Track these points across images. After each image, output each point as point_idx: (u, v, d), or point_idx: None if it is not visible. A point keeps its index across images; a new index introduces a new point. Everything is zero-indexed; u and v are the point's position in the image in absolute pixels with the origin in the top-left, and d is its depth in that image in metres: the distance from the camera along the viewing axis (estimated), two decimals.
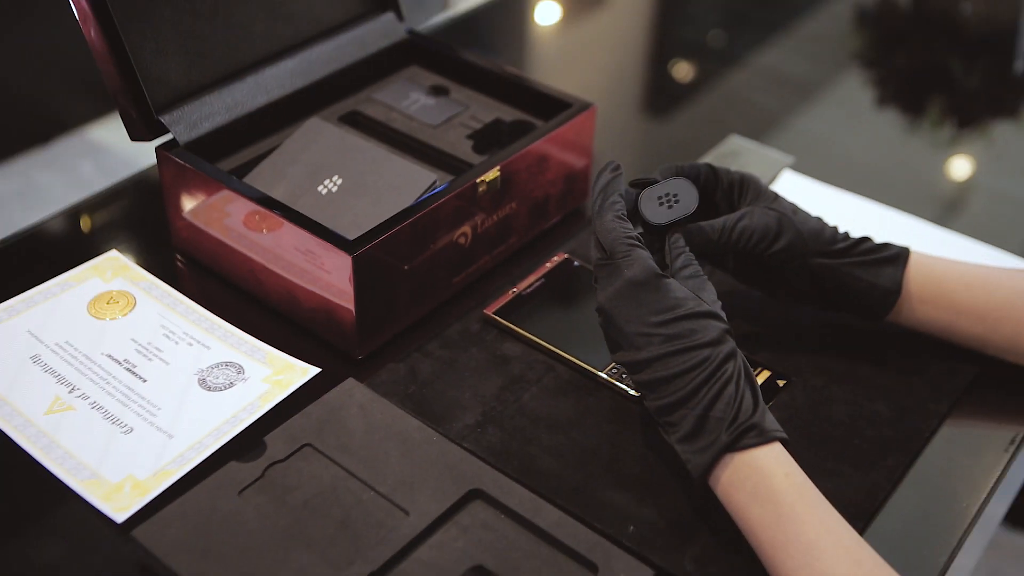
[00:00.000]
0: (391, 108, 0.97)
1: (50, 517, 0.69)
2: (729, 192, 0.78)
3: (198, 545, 0.64)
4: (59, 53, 2.22)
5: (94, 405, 0.75)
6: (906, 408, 0.77)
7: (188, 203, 0.86)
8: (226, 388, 0.77)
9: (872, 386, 0.79)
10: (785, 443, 0.65)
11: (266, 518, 0.66)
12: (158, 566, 0.63)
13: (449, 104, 0.98)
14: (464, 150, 0.93)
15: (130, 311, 0.83)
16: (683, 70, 1.32)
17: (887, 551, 0.63)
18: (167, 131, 0.85)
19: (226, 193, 0.81)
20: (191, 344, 0.80)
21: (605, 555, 0.64)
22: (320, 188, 0.85)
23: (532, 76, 0.99)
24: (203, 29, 0.87)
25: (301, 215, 0.78)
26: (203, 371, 0.78)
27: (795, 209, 0.77)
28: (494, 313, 0.83)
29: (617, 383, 0.77)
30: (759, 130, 1.12)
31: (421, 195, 0.84)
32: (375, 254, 0.76)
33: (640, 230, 0.73)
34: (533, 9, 1.43)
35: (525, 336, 0.81)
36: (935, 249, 0.93)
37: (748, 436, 0.64)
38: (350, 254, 0.75)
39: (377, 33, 1.00)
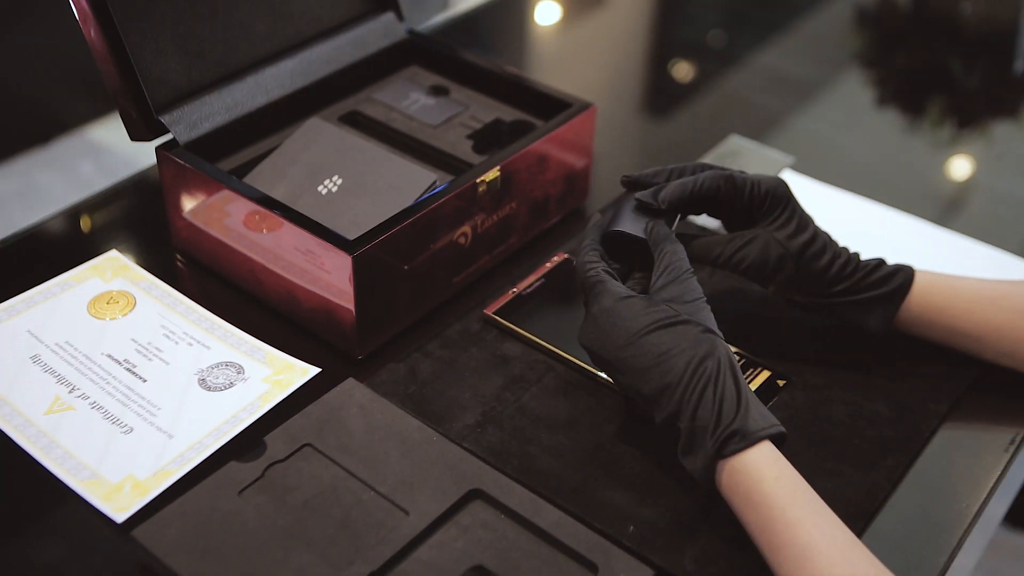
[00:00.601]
0: (391, 108, 0.97)
1: (50, 517, 0.69)
2: (750, 204, 0.77)
3: (198, 545, 0.64)
4: (59, 53, 2.22)
5: (94, 405, 0.75)
6: (906, 408, 0.77)
7: (188, 203, 0.86)
8: (226, 388, 0.77)
9: (872, 386, 0.79)
10: (779, 439, 0.65)
11: (266, 518, 0.66)
12: (158, 566, 0.63)
13: (449, 104, 0.98)
14: (464, 150, 0.93)
15: (130, 311, 0.83)
16: (683, 70, 1.32)
17: (887, 551, 0.63)
18: (167, 131, 0.85)
19: (226, 193, 0.81)
20: (191, 344, 0.80)
21: (605, 555, 0.64)
22: (320, 188, 0.85)
23: (532, 76, 0.99)
24: (203, 29, 0.87)
25: (301, 215, 0.78)
26: (203, 371, 0.78)
27: (809, 242, 0.76)
28: (494, 313, 0.83)
29: None
30: (759, 130, 1.12)
31: (421, 195, 0.84)
32: (375, 254, 0.76)
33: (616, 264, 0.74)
34: (533, 9, 1.43)
35: (525, 336, 0.81)
36: (935, 249, 0.93)
37: (732, 442, 0.64)
38: (350, 254, 0.75)
39: (377, 33, 1.00)
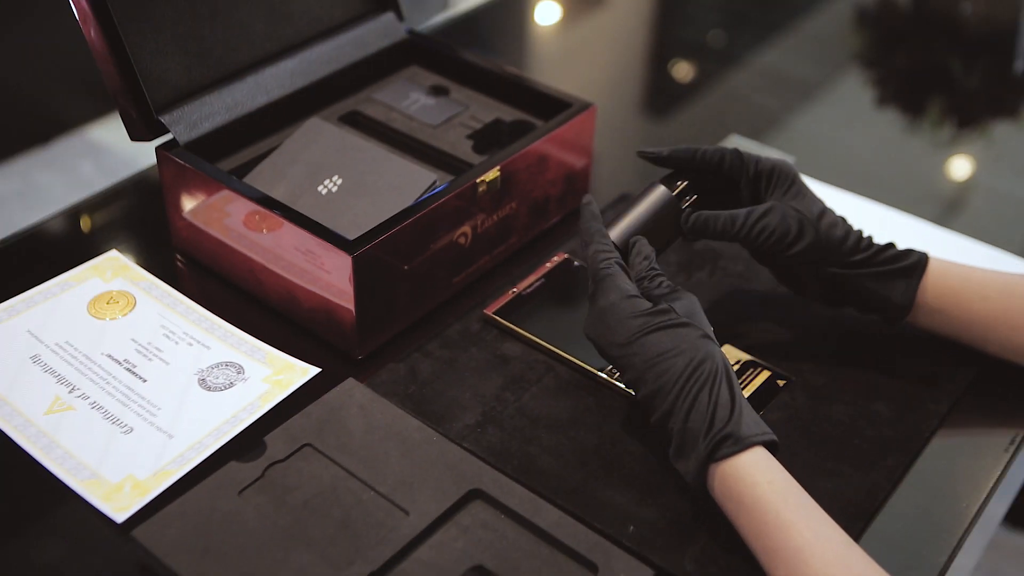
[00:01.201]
0: (391, 108, 0.97)
1: (50, 517, 0.69)
2: (756, 181, 0.77)
3: (198, 545, 0.64)
4: (59, 53, 2.22)
5: (94, 405, 0.75)
6: (906, 408, 0.77)
7: (188, 203, 0.86)
8: (226, 388, 0.77)
9: (872, 386, 0.79)
10: (772, 445, 0.65)
11: (266, 518, 0.66)
12: (158, 566, 0.63)
13: (449, 104, 0.98)
14: (464, 150, 0.93)
15: (130, 311, 0.83)
16: (683, 70, 1.32)
17: (887, 551, 0.63)
18: (167, 131, 0.85)
19: (226, 193, 0.81)
20: (191, 344, 0.80)
21: (605, 555, 0.64)
22: (320, 188, 0.85)
23: (532, 76, 0.99)
24: (203, 29, 0.87)
25: (301, 215, 0.78)
26: (203, 371, 0.78)
27: (823, 212, 0.76)
28: (494, 313, 0.83)
29: (617, 383, 0.77)
30: (759, 130, 1.12)
31: (421, 195, 0.84)
32: (375, 254, 0.76)
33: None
34: (533, 9, 1.43)
35: (525, 336, 0.81)
36: (935, 249, 0.93)
37: (724, 446, 0.63)
38: (350, 254, 0.75)
39: (377, 33, 1.00)
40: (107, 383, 0.77)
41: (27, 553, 0.67)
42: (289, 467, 0.69)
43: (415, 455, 0.70)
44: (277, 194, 0.85)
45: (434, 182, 0.85)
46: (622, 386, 0.77)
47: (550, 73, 1.28)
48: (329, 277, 0.77)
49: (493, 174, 0.84)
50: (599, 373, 0.78)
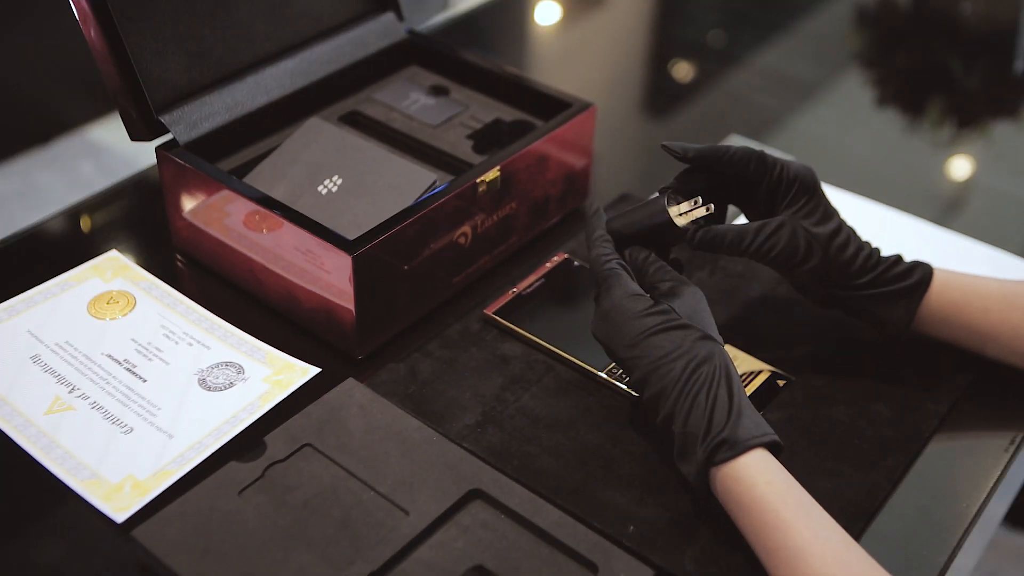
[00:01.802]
0: (391, 108, 0.97)
1: (50, 517, 0.69)
2: (776, 187, 0.76)
3: (198, 545, 0.64)
4: (59, 53, 2.22)
5: (94, 405, 0.75)
6: (906, 408, 0.77)
7: (188, 203, 0.86)
8: (226, 388, 0.77)
9: (872, 386, 0.79)
10: (775, 447, 0.65)
11: (266, 518, 0.66)
12: (158, 566, 0.63)
13: (449, 104, 0.98)
14: (464, 150, 0.93)
15: (130, 311, 0.83)
16: (683, 70, 1.32)
17: (887, 551, 0.63)
18: (167, 131, 0.85)
19: (226, 193, 0.81)
20: (191, 344, 0.80)
21: (605, 555, 0.64)
22: (320, 188, 0.85)
23: (532, 76, 0.99)
24: (203, 29, 0.87)
25: (301, 215, 0.78)
26: (203, 371, 0.78)
27: (835, 232, 0.76)
28: (494, 313, 0.83)
29: (617, 383, 0.77)
30: (759, 130, 1.12)
31: (421, 195, 0.84)
32: (375, 254, 0.76)
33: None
34: (533, 9, 1.43)
35: (525, 336, 0.81)
36: (935, 249, 0.93)
37: (721, 450, 0.63)
38: (350, 254, 0.75)
39: (377, 33, 1.00)
40: (107, 383, 0.77)
41: (27, 553, 0.67)
42: (289, 467, 0.69)
43: (415, 455, 0.70)
44: (277, 194, 0.85)
45: (434, 182, 0.85)
46: (622, 386, 0.77)
47: (550, 73, 1.28)
48: (329, 277, 0.77)
49: (493, 174, 0.84)
50: (599, 373, 0.78)
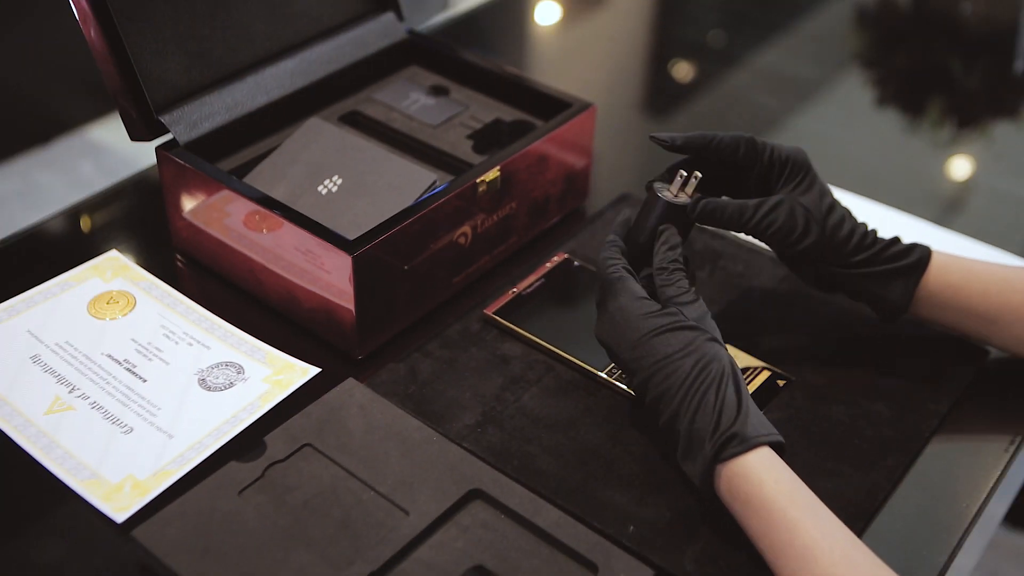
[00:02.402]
0: (391, 108, 0.97)
1: (50, 517, 0.69)
2: (769, 170, 0.77)
3: (198, 545, 0.64)
4: (59, 53, 2.22)
5: (94, 405, 0.75)
6: (906, 408, 0.77)
7: (188, 203, 0.86)
8: (226, 388, 0.77)
9: (872, 386, 0.79)
10: (779, 446, 0.65)
11: (266, 518, 0.66)
12: (158, 566, 0.63)
13: (449, 104, 0.98)
14: (464, 150, 0.93)
15: (130, 311, 0.83)
16: (683, 70, 1.32)
17: (887, 551, 0.63)
18: (167, 131, 0.85)
19: (226, 193, 0.81)
20: (191, 344, 0.80)
21: (605, 555, 0.64)
22: (320, 188, 0.85)
23: (532, 76, 0.99)
24: (203, 29, 0.87)
25: (301, 215, 0.78)
26: (203, 371, 0.78)
27: (831, 209, 0.76)
28: (494, 313, 0.83)
29: (617, 383, 0.77)
30: (759, 130, 1.12)
31: (421, 195, 0.84)
32: (375, 254, 0.76)
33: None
34: (533, 9, 1.43)
35: (525, 336, 0.81)
36: (935, 249, 0.93)
37: (731, 445, 0.63)
38: (350, 254, 0.75)
39: (377, 33, 1.00)
40: (107, 383, 0.77)
41: (27, 553, 0.67)
42: (289, 467, 0.69)
43: (415, 455, 0.70)
44: (277, 194, 0.85)
45: (434, 182, 0.85)
46: (622, 386, 0.77)
47: (550, 73, 1.28)
48: (329, 277, 0.77)
49: (493, 174, 0.84)
50: (599, 373, 0.78)
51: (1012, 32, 1.38)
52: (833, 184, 1.01)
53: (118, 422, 0.74)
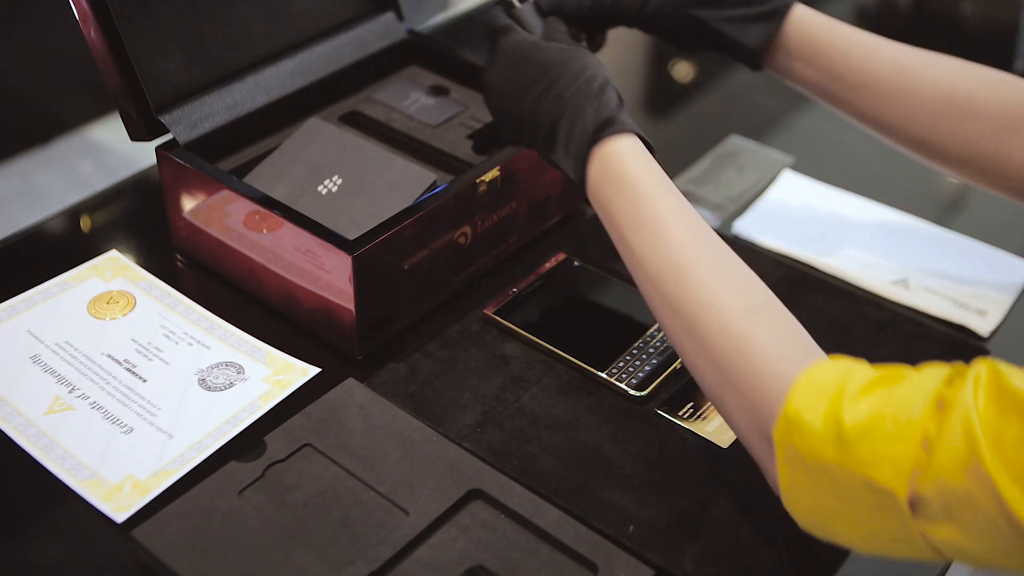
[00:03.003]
0: (391, 108, 0.97)
1: (50, 517, 0.69)
2: None
3: (198, 545, 0.64)
4: (59, 53, 2.22)
5: (94, 405, 0.75)
6: None
7: (188, 203, 0.86)
8: (226, 388, 0.77)
9: None
10: (651, 148, 0.69)
11: (266, 518, 0.66)
12: (158, 566, 0.63)
13: (449, 104, 0.98)
14: (464, 150, 0.93)
15: (130, 311, 0.83)
16: (683, 70, 1.32)
17: None
18: (167, 131, 0.85)
19: (226, 193, 0.81)
20: (191, 344, 0.80)
21: (605, 555, 0.64)
22: (320, 188, 0.85)
23: None
24: (203, 29, 0.87)
25: (301, 215, 0.78)
26: (203, 371, 0.78)
27: None
28: (494, 313, 0.83)
29: (617, 383, 0.77)
30: (759, 130, 1.12)
31: (421, 195, 0.84)
32: (375, 254, 0.76)
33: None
34: None
35: (525, 336, 0.81)
36: (935, 249, 0.93)
37: (610, 125, 0.68)
38: (350, 254, 0.75)
39: (377, 33, 1.00)
40: (107, 383, 0.77)
41: (27, 553, 0.67)
42: (289, 467, 0.70)
43: (415, 455, 0.70)
44: (277, 194, 0.85)
45: (434, 182, 0.85)
46: (622, 386, 0.77)
47: None
48: (329, 277, 0.77)
49: (493, 174, 0.84)
50: (599, 373, 0.78)
51: (1012, 32, 1.38)
52: (833, 184, 1.01)
53: (118, 422, 0.74)
